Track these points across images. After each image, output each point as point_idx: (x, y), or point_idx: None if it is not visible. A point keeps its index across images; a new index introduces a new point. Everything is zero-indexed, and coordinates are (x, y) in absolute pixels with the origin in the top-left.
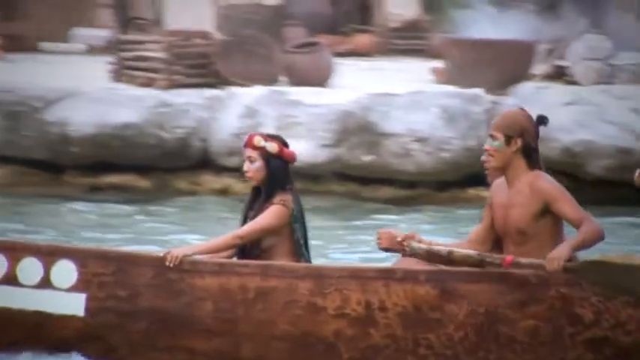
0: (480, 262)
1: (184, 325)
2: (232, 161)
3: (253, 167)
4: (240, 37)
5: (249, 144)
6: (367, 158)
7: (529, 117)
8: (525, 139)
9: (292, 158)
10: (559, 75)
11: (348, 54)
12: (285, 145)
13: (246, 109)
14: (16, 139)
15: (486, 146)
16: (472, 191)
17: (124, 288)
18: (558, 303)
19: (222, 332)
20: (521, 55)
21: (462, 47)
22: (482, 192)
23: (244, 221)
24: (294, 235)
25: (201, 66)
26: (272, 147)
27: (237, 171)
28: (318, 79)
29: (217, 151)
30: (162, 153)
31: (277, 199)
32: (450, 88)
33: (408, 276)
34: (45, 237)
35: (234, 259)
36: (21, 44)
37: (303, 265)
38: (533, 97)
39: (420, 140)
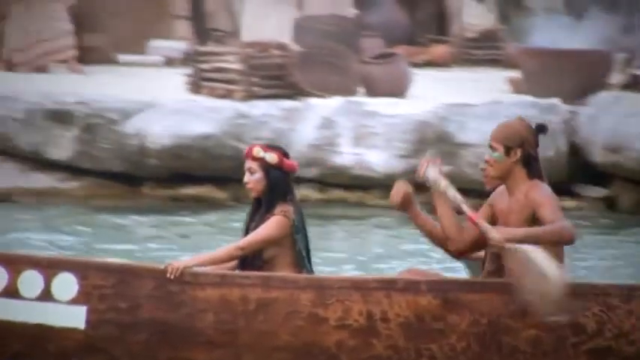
0: (457, 205)
1: (185, 336)
2: (309, 172)
3: (253, 178)
4: (317, 48)
5: (248, 155)
6: (444, 168)
7: (528, 126)
8: (525, 149)
9: (292, 169)
10: (636, 84)
11: (425, 64)
12: (286, 155)
13: (324, 120)
14: (93, 152)
15: (486, 157)
16: None
17: (124, 300)
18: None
19: (223, 343)
20: (597, 65)
21: (538, 57)
22: (561, 202)
23: (246, 232)
24: (295, 246)
25: (279, 77)
26: (271, 158)
27: (314, 182)
28: (395, 89)
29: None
30: (239, 164)
31: (278, 210)
32: (527, 98)
33: (410, 286)
34: (117, 248)
35: (237, 271)
36: (97, 56)
37: (304, 276)
38: (609, 106)
39: None
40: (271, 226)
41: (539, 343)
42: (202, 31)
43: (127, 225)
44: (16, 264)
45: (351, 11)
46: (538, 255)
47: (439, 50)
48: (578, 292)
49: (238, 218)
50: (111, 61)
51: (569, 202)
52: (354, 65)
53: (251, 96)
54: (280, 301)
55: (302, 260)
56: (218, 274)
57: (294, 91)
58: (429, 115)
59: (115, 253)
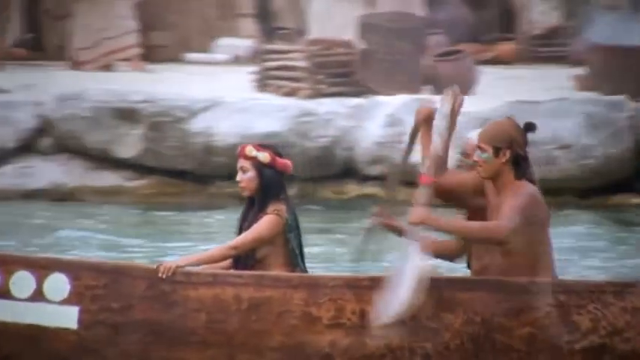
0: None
1: (178, 336)
2: (376, 170)
3: (246, 177)
4: (383, 45)
5: (241, 154)
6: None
7: (517, 126)
8: (514, 149)
9: (285, 168)
10: None
11: (491, 62)
12: (279, 154)
13: (389, 118)
14: (159, 150)
15: (475, 158)
16: (616, 198)
17: (117, 300)
18: (555, 310)
19: (216, 343)
20: None
21: (604, 54)
22: (627, 199)
23: (239, 232)
24: (288, 245)
25: (344, 75)
26: (264, 157)
27: (380, 179)
28: (462, 87)
29: (361, 160)
30: (305, 162)
31: (271, 209)
32: (593, 95)
33: None
34: (178, 245)
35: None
36: (163, 54)
37: (297, 274)
38: None
39: (564, 147)
40: (264, 225)
41: (533, 341)
42: (268, 29)
43: (191, 223)
44: (7, 264)
45: (419, 9)
46: (418, 260)
47: (505, 48)
48: (573, 289)
49: (302, 216)
50: (177, 60)
51: (635, 199)
52: (420, 63)
53: (317, 94)
54: (273, 300)
55: (295, 259)
56: (210, 274)
57: (360, 89)
58: (494, 113)
59: (175, 251)
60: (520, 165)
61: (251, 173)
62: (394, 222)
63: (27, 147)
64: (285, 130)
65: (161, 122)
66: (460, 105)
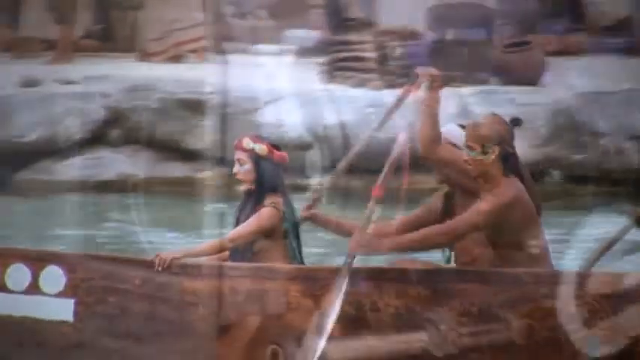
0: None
1: (174, 328)
2: None
3: (243, 169)
4: (453, 36)
5: (238, 146)
6: (578, 157)
7: (504, 122)
8: (502, 145)
9: (282, 160)
10: None
11: (560, 53)
12: (276, 147)
13: (458, 109)
14: (227, 141)
15: (464, 156)
16: None
17: (112, 293)
18: (553, 302)
19: (212, 335)
20: None
21: None
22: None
23: (236, 224)
24: (285, 238)
25: (413, 66)
26: (261, 149)
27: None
28: (530, 77)
29: None
30: (375, 153)
31: (268, 201)
32: None
33: (400, 276)
34: None
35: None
36: (231, 46)
37: (293, 266)
38: None
39: (633, 138)
40: (261, 217)
41: (531, 332)
42: (337, 20)
43: None
44: (3, 257)
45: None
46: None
47: (574, 38)
48: (571, 280)
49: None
50: (245, 51)
51: None
52: (489, 53)
53: (386, 85)
54: (270, 292)
55: (292, 252)
56: (207, 266)
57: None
58: (563, 104)
59: None
60: (508, 161)
61: (248, 166)
62: (325, 218)
63: (96, 138)
64: (355, 121)
65: (230, 114)
66: (439, 85)
